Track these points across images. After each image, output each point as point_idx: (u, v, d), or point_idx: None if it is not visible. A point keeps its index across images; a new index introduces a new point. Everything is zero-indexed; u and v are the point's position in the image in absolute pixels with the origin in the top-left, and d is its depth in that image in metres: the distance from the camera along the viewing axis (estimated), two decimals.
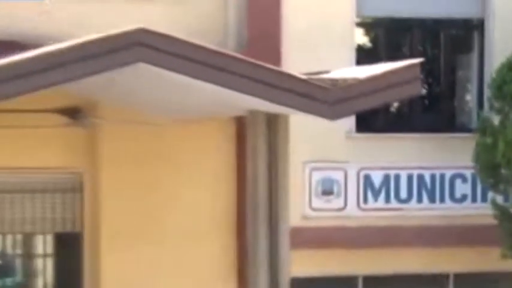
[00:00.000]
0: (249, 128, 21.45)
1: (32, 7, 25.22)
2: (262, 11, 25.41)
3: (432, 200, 25.64)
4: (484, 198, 25.16)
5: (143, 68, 18.64)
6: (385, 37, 26.29)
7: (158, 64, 18.65)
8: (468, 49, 26.95)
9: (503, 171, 24.14)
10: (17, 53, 19.29)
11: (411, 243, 25.35)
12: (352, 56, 24.88)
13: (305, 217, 24.02)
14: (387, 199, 25.50)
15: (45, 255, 25.34)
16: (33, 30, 24.31)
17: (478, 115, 25.71)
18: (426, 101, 25.54)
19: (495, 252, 24.24)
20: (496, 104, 24.54)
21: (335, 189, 25.25)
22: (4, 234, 25.10)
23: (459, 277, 26.01)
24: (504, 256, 24.07)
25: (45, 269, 25.66)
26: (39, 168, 23.99)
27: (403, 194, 25.52)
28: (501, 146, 23.92)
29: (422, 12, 26.15)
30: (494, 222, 24.32)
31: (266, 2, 25.59)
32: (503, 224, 24.47)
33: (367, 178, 25.46)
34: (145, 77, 19.77)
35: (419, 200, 25.63)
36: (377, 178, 25.46)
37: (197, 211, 24.57)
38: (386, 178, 25.48)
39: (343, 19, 25.50)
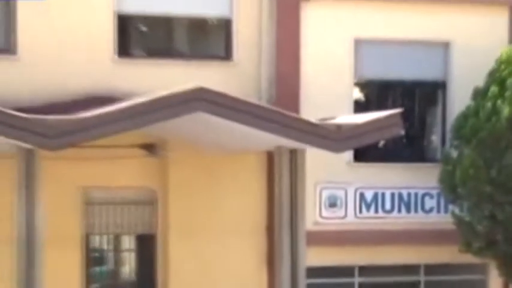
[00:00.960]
0: (276, 158, 23.63)
1: (108, 69, 26.31)
2: (286, 75, 26.95)
3: (408, 211, 27.69)
4: (446, 210, 27.35)
5: (201, 116, 20.99)
6: (375, 93, 28.36)
7: (213, 113, 20.98)
8: (435, 102, 28.58)
9: (459, 190, 26.01)
10: (101, 106, 22.09)
11: (394, 242, 27.26)
12: (351, 106, 26.98)
13: (316, 223, 26.12)
14: (376, 210, 27.53)
15: (129, 250, 27.72)
16: (112, 87, 25.62)
17: (442, 150, 27.87)
18: (405, 140, 26.97)
19: (455, 248, 26.58)
20: (455, 142, 26.77)
21: (338, 203, 27.16)
22: (101, 235, 27.19)
23: (428, 267, 28.12)
24: (461, 251, 26.46)
25: (129, 260, 27.76)
26: (126, 187, 26.27)
27: (388, 206, 27.54)
28: (458, 172, 25.90)
29: (402, 76, 27.95)
30: (453, 227, 26.61)
31: (288, 69, 26.90)
32: (460, 228, 26.64)
33: (362, 195, 27.35)
34: (202, 123, 21.97)
35: (399, 211, 27.68)
36: (369, 195, 27.42)
37: (239, 218, 26.80)
38: (375, 195, 27.40)
39: (345, 80, 27.24)
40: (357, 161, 27.22)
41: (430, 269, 28.24)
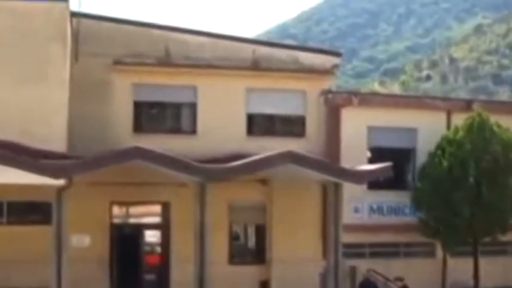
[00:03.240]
0: (328, 187, 26.87)
1: (241, 141, 29.08)
2: (333, 145, 29.74)
3: (396, 214, 30.28)
4: (413, 214, 29.88)
5: (290, 166, 24.74)
6: (377, 155, 29.44)
7: (298, 164, 24.67)
8: (409, 159, 31.10)
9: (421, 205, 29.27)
10: (237, 160, 25.01)
11: (387, 230, 29.92)
12: (366, 161, 29.36)
13: (347, 221, 27.67)
14: (377, 214, 30.12)
15: (246, 239, 30.09)
16: (243, 151, 27.49)
17: (412, 183, 30.58)
18: (393, 178, 26.94)
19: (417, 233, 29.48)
20: (419, 180, 29.93)
21: (359, 211, 29.99)
22: (238, 224, 29.54)
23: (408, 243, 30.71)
24: (421, 235, 29.30)
25: (251, 238, 30.16)
26: (250, 200, 28.97)
27: (384, 212, 30.22)
28: (420, 196, 29.26)
29: (394, 145, 30.38)
30: (417, 222, 29.41)
31: (334, 141, 29.71)
32: (420, 223, 29.31)
33: (371, 206, 30.18)
34: (292, 169, 25.18)
35: (391, 214, 30.18)
36: (374, 206, 30.11)
37: (309, 218, 29.14)
38: (377, 206, 30.23)
39: (363, 148, 30.05)
40: (368, 188, 29.74)
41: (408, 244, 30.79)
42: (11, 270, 25.64)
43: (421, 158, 30.50)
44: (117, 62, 28.31)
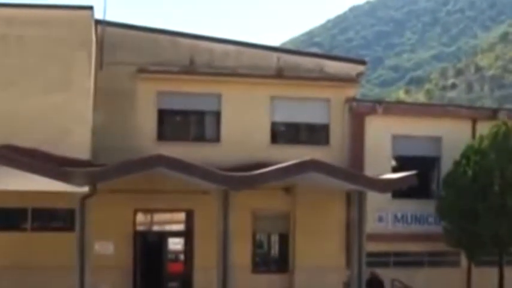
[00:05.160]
0: (352, 196, 26.63)
1: (264, 149, 28.96)
2: (357, 153, 29.71)
3: (421, 223, 30.15)
4: (439, 223, 29.59)
5: (314, 174, 24.48)
6: (402, 163, 29.42)
7: (321, 172, 24.29)
8: (433, 167, 30.91)
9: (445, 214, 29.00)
10: (260, 168, 24.93)
11: (410, 239, 29.75)
12: (390, 169, 29.27)
13: (371, 230, 27.51)
14: (401, 222, 30.05)
15: (269, 247, 30.18)
16: (266, 159, 27.40)
17: (437, 192, 30.34)
18: (418, 187, 26.06)
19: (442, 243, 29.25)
20: (444, 190, 29.67)
21: (383, 220, 29.91)
22: (261, 233, 29.59)
23: (431, 252, 30.30)
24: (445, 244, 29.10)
25: (274, 246, 29.99)
26: (272, 209, 28.88)
27: (409, 221, 30.11)
28: (444, 205, 29.06)
29: (418, 154, 30.36)
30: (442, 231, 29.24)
31: (358, 149, 29.69)
32: (445, 232, 29.10)
33: (395, 216, 30.14)
34: (314, 178, 25.07)
35: (415, 223, 30.09)
36: (398, 215, 30.09)
37: (333, 224, 29.09)
38: (402, 215, 30.10)
39: (386, 155, 29.96)
40: (393, 197, 29.56)
41: (432, 253, 30.39)
42: (35, 277, 25.70)
43: (445, 166, 30.31)
44: (142, 70, 28.36)
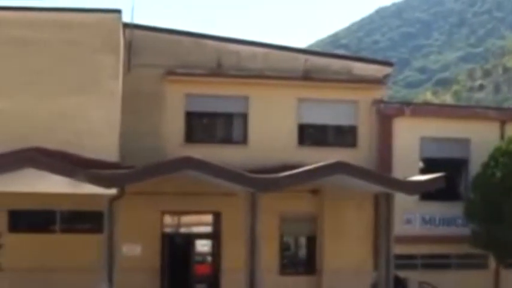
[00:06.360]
0: (380, 198, 26.70)
1: (291, 152, 28.87)
2: (384, 155, 29.59)
3: (448, 225, 29.91)
4: (465, 224, 29.46)
5: (340, 176, 24.53)
6: (429, 165, 29.37)
7: (349, 174, 24.38)
8: (461, 169, 30.79)
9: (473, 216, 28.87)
10: (288, 170, 24.82)
11: (438, 240, 29.53)
12: (417, 171, 29.05)
13: (398, 233, 27.19)
14: (429, 224, 29.85)
15: (297, 249, 30.04)
16: (294, 161, 27.24)
17: (464, 195, 30.17)
18: (446, 189, 25.96)
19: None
20: (472, 192, 29.52)
21: (411, 221, 29.74)
22: (287, 236, 29.41)
23: (459, 255, 30.10)
24: (472, 246, 28.95)
25: (302, 248, 29.86)
26: (299, 211, 28.82)
27: (436, 222, 29.94)
28: (472, 207, 28.92)
29: (447, 156, 30.17)
30: (469, 233, 29.05)
31: (386, 151, 29.54)
32: (473, 234, 28.97)
33: (423, 218, 29.96)
34: (342, 180, 25.27)
35: (443, 225, 29.85)
36: (426, 217, 29.91)
37: (362, 227, 29.08)
38: (430, 217, 29.98)
39: (415, 158, 29.80)
40: (420, 199, 29.47)
41: (460, 255, 30.34)
42: (63, 278, 25.85)
43: (473, 168, 30.16)
44: (170, 73, 28.46)
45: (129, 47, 27.74)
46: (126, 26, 27.19)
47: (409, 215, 29.68)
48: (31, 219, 27.22)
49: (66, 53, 25.53)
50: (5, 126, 24.89)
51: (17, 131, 24.69)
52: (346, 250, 28.99)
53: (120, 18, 26.00)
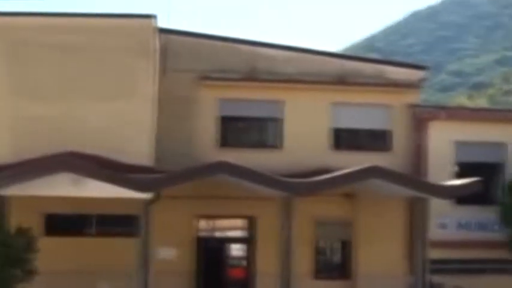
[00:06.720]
0: (415, 203, 26.73)
1: (324, 155, 28.87)
2: (419, 160, 29.37)
3: (483, 229, 29.47)
4: (501, 229, 29.25)
5: (375, 181, 24.46)
6: (464, 170, 28.99)
7: (383, 179, 24.51)
8: (494, 174, 30.24)
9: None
10: (322, 174, 24.98)
11: (475, 246, 28.97)
12: (452, 175, 28.75)
13: (433, 237, 27.13)
14: (465, 229, 29.44)
15: (331, 253, 29.98)
16: (327, 165, 27.48)
17: (500, 200, 29.85)
18: (481, 193, 25.99)
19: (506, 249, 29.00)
20: (508, 197, 29.35)
21: (446, 226, 29.26)
22: (323, 240, 29.41)
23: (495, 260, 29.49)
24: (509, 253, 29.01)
25: (337, 253, 29.83)
26: (333, 216, 28.79)
27: (472, 227, 29.53)
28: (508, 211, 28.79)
29: (480, 160, 29.85)
30: (506, 238, 28.96)
31: (421, 156, 29.31)
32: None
33: (459, 223, 29.58)
34: (376, 185, 25.22)
35: (478, 230, 29.48)
36: (462, 221, 29.56)
37: (396, 231, 28.76)
38: (466, 222, 29.59)
39: (450, 162, 29.48)
40: (457, 204, 29.10)
41: (496, 260, 29.62)
42: (99, 281, 26.04)
43: (510, 173, 29.98)
44: (204, 77, 28.61)
45: (164, 51, 27.89)
46: (162, 31, 27.32)
47: (444, 219, 29.40)
48: (67, 223, 27.41)
49: (102, 58, 25.85)
50: (42, 131, 25.32)
51: (54, 136, 25.07)
52: (380, 254, 28.78)
53: (155, 23, 26.18)
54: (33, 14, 26.40)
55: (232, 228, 29.56)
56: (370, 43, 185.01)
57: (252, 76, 29.04)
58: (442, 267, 28.83)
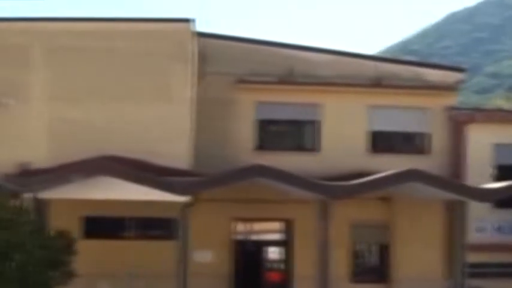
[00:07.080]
0: (455, 205, 26.47)
1: (362, 158, 28.84)
2: (458, 162, 29.20)
3: None
4: None
5: (413, 184, 24.18)
6: (502, 172, 28.81)
7: (422, 182, 24.06)
8: None
9: None
10: (359, 178, 24.91)
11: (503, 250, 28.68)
12: (490, 178, 28.59)
13: (470, 240, 26.90)
14: (505, 235, 29.04)
15: (367, 257, 29.87)
16: (364, 168, 27.61)
17: None
18: None
19: None
20: None
21: (484, 229, 28.90)
22: (359, 243, 29.24)
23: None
24: None
25: (375, 256, 29.73)
26: (369, 219, 28.59)
27: (506, 231, 29.11)
28: None
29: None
30: None
31: (460, 157, 29.10)
32: None
33: (497, 226, 29.18)
34: (414, 188, 25.04)
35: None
36: (502, 225, 29.07)
37: (434, 235, 28.56)
38: (506, 225, 29.17)
39: (487, 164, 29.15)
40: (494, 207, 28.74)
41: None
42: (135, 284, 25.87)
43: None
44: (241, 81, 28.71)
45: (202, 55, 28.02)
46: (199, 34, 27.42)
47: (482, 222, 29.14)
48: (105, 225, 27.56)
49: (141, 62, 26.09)
50: (79, 135, 25.59)
51: (91, 140, 25.30)
52: (418, 258, 28.67)
53: (192, 27, 26.27)
54: (71, 19, 26.82)
55: (269, 231, 29.57)
56: (405, 45, 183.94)
57: (289, 79, 29.10)
58: (480, 270, 28.56)
